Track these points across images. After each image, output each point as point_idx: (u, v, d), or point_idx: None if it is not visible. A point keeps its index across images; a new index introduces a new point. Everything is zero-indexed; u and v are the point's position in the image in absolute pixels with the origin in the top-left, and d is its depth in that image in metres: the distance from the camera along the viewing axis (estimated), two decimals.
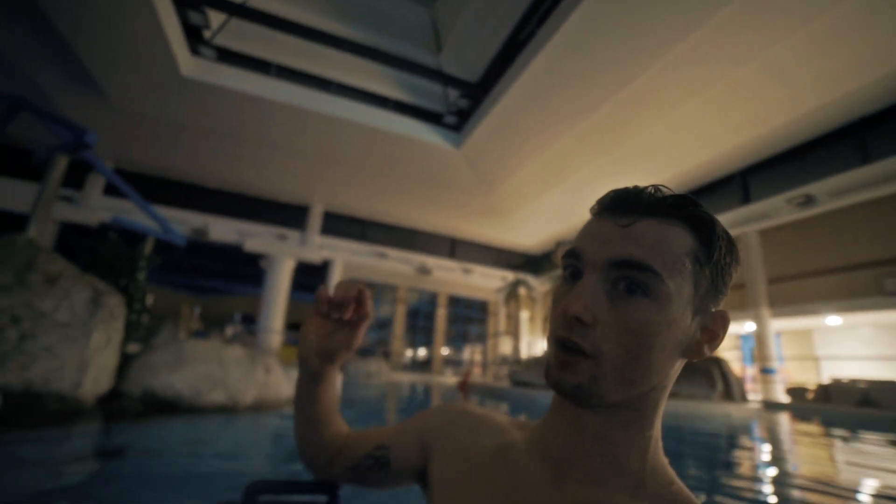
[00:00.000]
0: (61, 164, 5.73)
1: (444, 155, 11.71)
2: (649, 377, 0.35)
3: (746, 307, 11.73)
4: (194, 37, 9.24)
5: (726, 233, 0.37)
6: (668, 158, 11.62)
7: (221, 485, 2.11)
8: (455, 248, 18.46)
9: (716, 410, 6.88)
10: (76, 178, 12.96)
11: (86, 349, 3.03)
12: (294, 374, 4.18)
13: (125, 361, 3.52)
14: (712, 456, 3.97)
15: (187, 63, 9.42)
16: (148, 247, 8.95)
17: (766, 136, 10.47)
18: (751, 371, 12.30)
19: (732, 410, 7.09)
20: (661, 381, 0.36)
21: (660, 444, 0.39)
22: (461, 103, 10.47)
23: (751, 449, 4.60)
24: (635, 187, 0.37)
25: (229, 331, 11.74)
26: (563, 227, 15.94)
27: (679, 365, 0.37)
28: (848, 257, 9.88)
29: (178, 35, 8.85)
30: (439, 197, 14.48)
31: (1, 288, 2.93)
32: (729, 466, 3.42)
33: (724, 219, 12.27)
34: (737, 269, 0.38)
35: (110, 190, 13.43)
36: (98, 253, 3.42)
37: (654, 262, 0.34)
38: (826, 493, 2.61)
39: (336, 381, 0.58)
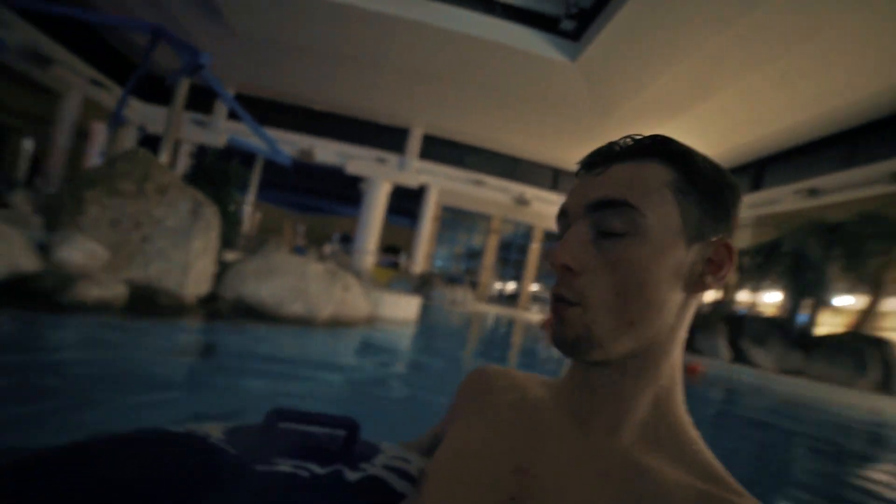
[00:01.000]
0: (184, 86, 6.41)
1: (559, 68, 10.52)
2: (650, 315, 0.35)
3: None
4: None
5: (710, 161, 0.38)
6: (862, 68, 8.93)
7: (281, 392, 2.30)
8: (558, 179, 17.36)
9: (859, 402, 5.75)
10: (207, 103, 14.65)
11: (188, 254, 3.46)
12: (389, 296, 4.35)
13: (224, 268, 4.00)
14: (837, 459, 3.24)
15: None
16: (258, 165, 10.04)
17: None
18: None
19: (885, 405, 5.84)
20: (666, 320, 0.36)
21: (678, 396, 0.39)
22: (583, 2, 9.02)
23: None
24: (611, 142, 0.39)
25: (327, 249, 12.94)
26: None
27: (684, 301, 0.37)
28: None
29: None
30: (546, 119, 13.38)
31: (127, 196, 3.40)
32: (850, 476, 2.71)
33: None
34: (735, 196, 0.38)
35: (233, 114, 14.98)
36: (201, 167, 3.80)
37: (629, 196, 0.35)
38: None
39: None
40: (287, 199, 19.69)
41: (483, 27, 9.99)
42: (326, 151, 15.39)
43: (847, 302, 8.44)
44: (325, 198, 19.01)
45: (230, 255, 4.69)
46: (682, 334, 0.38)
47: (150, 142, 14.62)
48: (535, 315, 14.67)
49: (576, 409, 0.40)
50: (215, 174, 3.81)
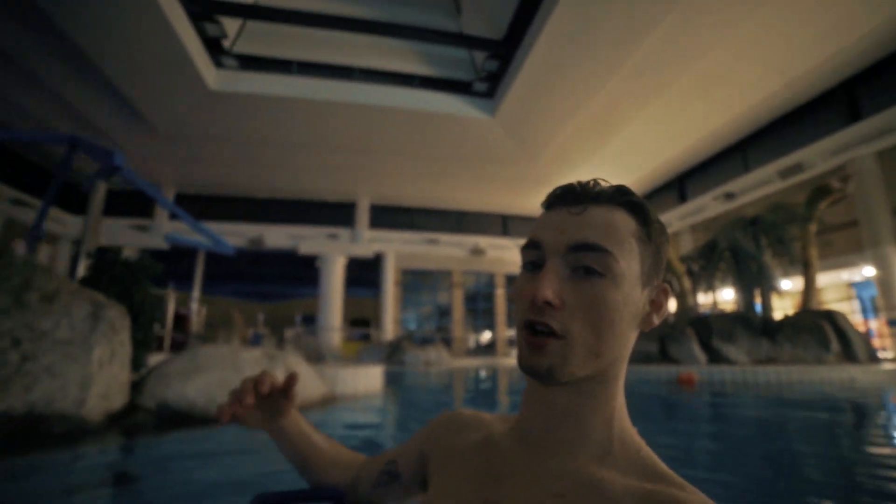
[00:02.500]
0: (101, 190, 5.98)
1: (480, 125, 10.97)
2: (612, 350, 0.38)
3: (862, 248, 9.74)
4: (216, 49, 9.35)
5: (657, 216, 0.42)
6: (740, 85, 9.92)
7: (238, 494, 1.79)
8: (507, 224, 17.66)
9: (834, 375, 5.59)
10: (147, 208, 14.10)
11: (88, 365, 2.88)
12: (346, 371, 3.78)
13: (148, 374, 3.40)
14: (834, 436, 3.03)
15: (213, 77, 9.61)
16: (200, 260, 9.54)
17: (874, 32, 8.44)
18: (874, 324, 10.26)
19: (858, 373, 5.73)
20: (621, 352, 0.40)
21: (625, 412, 0.42)
22: (489, 66, 9.63)
23: (890, 415, 3.54)
24: (578, 182, 0.41)
25: (289, 333, 12.11)
26: (626, 181, 14.33)
27: (634, 336, 0.41)
28: None
29: (200, 52, 9.01)
30: (483, 173, 13.78)
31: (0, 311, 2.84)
32: (860, 450, 2.59)
33: (824, 144, 10.30)
34: (668, 245, 0.43)
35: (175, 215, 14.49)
36: (101, 265, 3.30)
37: (607, 244, 0.38)
38: None
39: (301, 422, 0.63)
40: (242, 290, 18.74)
41: (407, 98, 10.39)
42: (276, 236, 14.97)
43: (788, 285, 8.64)
44: (282, 282, 18.27)
45: (156, 359, 4.06)
46: (628, 359, 0.42)
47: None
48: (514, 359, 14.09)
49: (532, 435, 0.42)
50: (118, 271, 3.31)
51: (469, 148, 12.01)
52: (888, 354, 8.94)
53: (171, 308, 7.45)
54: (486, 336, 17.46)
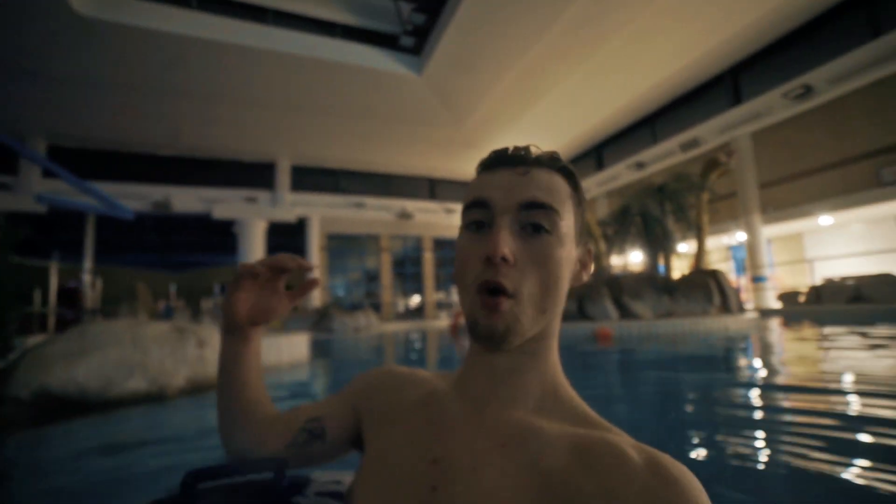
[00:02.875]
0: None
1: (406, 83, 10.45)
2: (556, 304, 0.40)
3: (737, 216, 11.25)
4: None
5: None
6: (648, 63, 10.55)
7: (157, 485, 1.49)
8: (435, 188, 17.53)
9: (714, 325, 6.51)
10: (9, 163, 11.55)
11: None
12: (267, 341, 3.40)
13: (19, 359, 2.81)
14: (713, 373, 3.65)
15: None
16: (89, 226, 8.12)
17: (755, 23, 9.38)
18: (743, 281, 12.07)
19: (730, 323, 6.74)
20: (560, 308, 0.42)
21: (559, 366, 0.44)
22: (416, 19, 9.09)
23: (749, 358, 4.30)
24: (515, 146, 0.43)
25: (207, 304, 11.07)
26: (548, 148, 14.94)
27: (567, 292, 0.43)
28: (844, 150, 9.22)
29: None
30: (410, 135, 13.33)
31: None
32: (730, 381, 3.27)
33: (715, 123, 11.46)
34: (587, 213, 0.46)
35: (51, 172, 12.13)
36: None
37: (554, 202, 0.40)
38: (817, 391, 2.64)
39: (260, 350, 0.58)
40: (149, 260, 16.66)
41: (328, 49, 9.49)
42: (186, 199, 13.28)
43: (684, 248, 9.75)
44: (196, 251, 16.51)
45: (33, 341, 3.41)
46: (561, 317, 0.44)
47: None
48: (444, 321, 14.43)
49: (475, 395, 0.43)
50: None
51: (395, 108, 11.47)
52: (750, 305, 10.62)
53: (54, 281, 6.31)
54: (416, 300, 17.60)
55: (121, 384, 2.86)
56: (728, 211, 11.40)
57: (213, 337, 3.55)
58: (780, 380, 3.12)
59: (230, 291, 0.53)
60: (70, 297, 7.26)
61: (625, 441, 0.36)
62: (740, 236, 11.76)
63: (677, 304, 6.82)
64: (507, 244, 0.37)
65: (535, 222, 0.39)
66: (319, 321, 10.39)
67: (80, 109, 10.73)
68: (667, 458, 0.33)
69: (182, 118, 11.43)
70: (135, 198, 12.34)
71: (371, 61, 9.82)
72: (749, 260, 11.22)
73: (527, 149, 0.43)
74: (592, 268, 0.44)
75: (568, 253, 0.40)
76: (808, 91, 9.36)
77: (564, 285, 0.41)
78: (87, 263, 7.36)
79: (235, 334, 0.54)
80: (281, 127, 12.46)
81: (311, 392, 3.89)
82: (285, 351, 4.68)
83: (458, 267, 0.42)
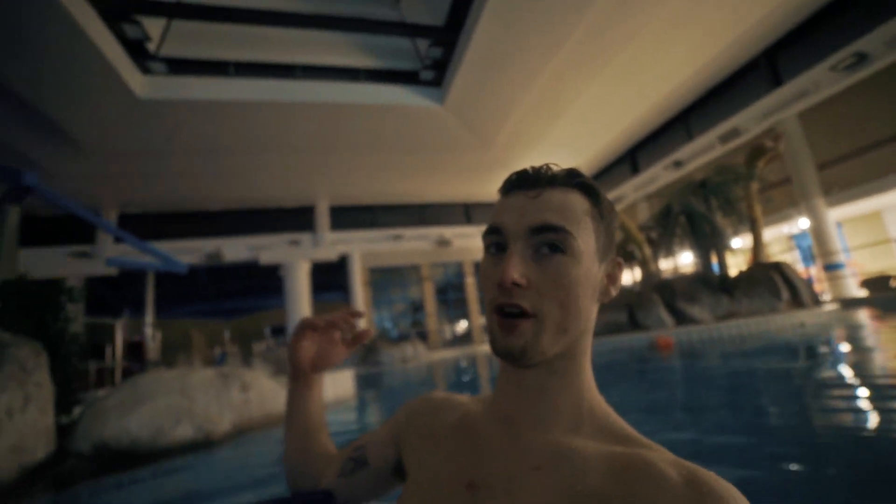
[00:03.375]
0: (13, 214, 5.25)
1: (431, 114, 10.68)
2: (578, 324, 0.40)
3: (796, 202, 10.27)
4: (140, 54, 8.54)
5: (605, 194, 0.44)
6: (675, 59, 10.13)
7: None
8: (470, 212, 17.53)
9: (786, 322, 5.81)
10: (87, 233, 12.88)
11: None
12: (330, 377, 3.43)
13: (82, 414, 2.95)
14: (794, 376, 3.16)
15: (141, 84, 8.79)
16: (150, 283, 8.79)
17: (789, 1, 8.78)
18: (813, 271, 10.88)
19: (805, 317, 5.98)
20: (586, 326, 0.41)
21: (593, 383, 0.43)
22: (434, 53, 9.34)
23: (837, 356, 3.69)
24: (532, 167, 0.43)
25: (259, 346, 11.46)
26: (581, 160, 14.63)
27: (595, 309, 0.43)
28: None
29: (121, 57, 8.19)
30: (440, 163, 13.51)
31: None
32: (816, 384, 2.82)
33: (755, 109, 10.72)
34: (617, 221, 0.45)
35: (119, 237, 13.33)
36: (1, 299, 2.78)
37: (565, 223, 0.39)
38: None
39: (322, 393, 0.65)
40: (204, 309, 17.70)
41: (353, 93, 9.94)
42: (234, 249, 14.12)
43: (738, 243, 8.97)
44: (246, 297, 17.38)
45: (101, 394, 3.59)
46: (591, 335, 0.43)
47: None
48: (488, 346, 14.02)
49: (507, 414, 0.43)
50: (24, 300, 2.82)
51: (422, 139, 11.72)
52: (827, 297, 9.50)
53: (119, 336, 6.76)
54: (462, 325, 17.36)
55: (169, 432, 2.91)
56: (784, 198, 10.45)
57: (256, 380, 3.59)
58: (882, 377, 2.66)
59: (293, 342, 0.60)
60: (135, 350, 7.76)
61: (663, 457, 0.34)
62: (803, 223, 10.70)
63: (739, 303, 6.19)
64: (517, 270, 0.38)
65: (548, 243, 0.39)
66: (367, 355, 10.42)
67: (142, 179, 11.86)
68: (707, 474, 0.31)
69: (228, 174, 12.30)
70: (189, 252, 13.27)
71: (395, 98, 10.16)
72: (817, 247, 10.14)
73: (539, 170, 0.43)
74: (623, 281, 0.44)
75: (586, 271, 0.40)
76: (861, 59, 8.55)
77: (586, 304, 0.40)
78: (149, 317, 7.89)
79: (299, 380, 0.62)
80: (318, 171, 13.06)
81: (355, 429, 3.80)
82: (330, 388, 4.66)
83: (481, 289, 0.43)
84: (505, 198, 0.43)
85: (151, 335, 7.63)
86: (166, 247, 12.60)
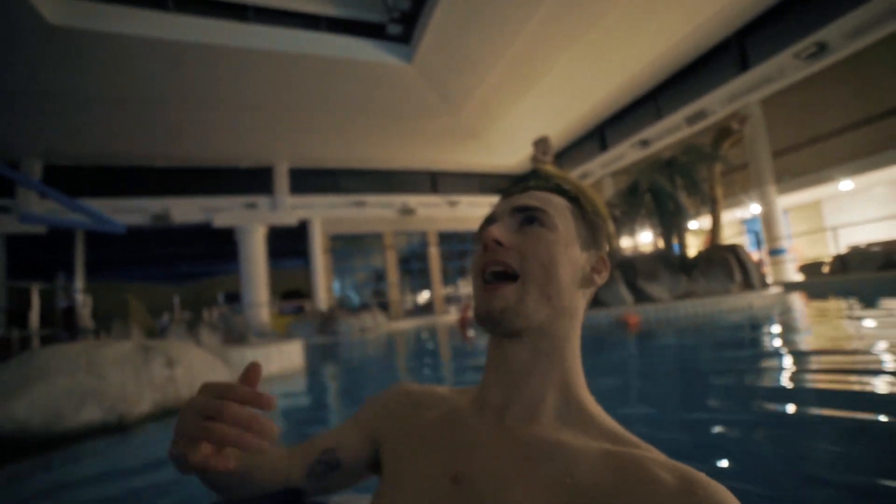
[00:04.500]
0: None
1: (397, 73, 9.96)
2: (561, 294, 0.41)
3: (749, 188, 10.57)
4: None
5: (592, 200, 0.58)
6: (647, 36, 9.91)
7: None
8: (436, 181, 17.03)
9: (738, 302, 5.97)
10: (6, 185, 11.31)
11: None
12: (254, 351, 2.85)
13: None
14: (742, 352, 3.27)
15: (51, 8, 7.41)
16: (79, 243, 7.85)
17: None
18: (759, 255, 11.40)
19: (754, 300, 6.18)
20: (569, 306, 0.42)
21: (581, 378, 0.43)
22: (402, 5, 8.58)
23: (777, 335, 3.84)
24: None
25: (212, 313, 10.76)
26: (550, 133, 14.29)
27: (580, 297, 0.44)
28: (866, 109, 8.50)
29: None
30: (407, 128, 12.84)
31: None
32: (757, 359, 3.04)
33: (722, 92, 10.76)
34: (606, 224, 0.52)
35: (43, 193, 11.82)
36: None
37: (544, 205, 0.44)
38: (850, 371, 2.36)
39: None
40: (153, 273, 16.46)
41: (313, 43, 9.03)
42: (185, 209, 13.00)
43: (695, 225, 9.15)
44: (199, 261, 16.26)
45: None
46: (579, 327, 0.44)
47: None
48: (453, 316, 14.01)
49: (494, 403, 0.42)
50: None
51: (389, 100, 10.98)
52: (770, 279, 9.99)
53: (35, 302, 6.00)
54: (424, 296, 17.18)
55: (71, 416, 2.47)
56: (740, 183, 10.73)
57: (184, 354, 3.15)
58: (815, 363, 2.65)
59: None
60: (66, 317, 6.98)
61: (657, 459, 0.33)
62: (755, 209, 11.09)
63: (696, 283, 6.28)
64: (498, 230, 0.41)
65: (528, 217, 0.43)
66: (324, 324, 10.03)
67: (71, 127, 10.45)
68: (703, 478, 0.31)
69: (174, 127, 11.09)
70: (133, 212, 12.09)
71: (359, 53, 9.35)
72: (766, 233, 10.56)
73: (529, 178, 0.46)
74: (606, 272, 0.45)
75: (566, 247, 0.42)
76: (822, 49, 8.64)
77: (566, 278, 0.41)
78: (79, 282, 7.05)
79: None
80: (276, 130, 12.06)
81: (305, 405, 3.47)
82: (275, 361, 4.28)
83: (472, 275, 0.44)
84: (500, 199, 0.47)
85: (82, 301, 6.85)
86: (104, 205, 11.31)
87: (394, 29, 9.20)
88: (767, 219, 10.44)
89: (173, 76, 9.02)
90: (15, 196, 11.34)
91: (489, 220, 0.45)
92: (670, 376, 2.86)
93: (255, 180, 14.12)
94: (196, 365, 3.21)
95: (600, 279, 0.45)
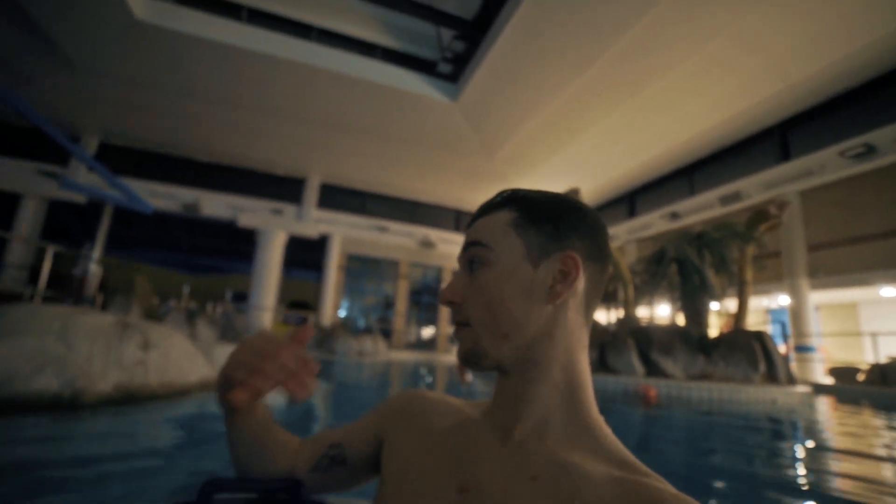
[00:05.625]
0: None
1: (441, 109, 10.21)
2: (517, 326, 0.40)
3: (781, 278, 10.07)
4: None
5: (550, 196, 0.45)
6: (691, 111, 9.92)
7: None
8: (460, 220, 17.05)
9: (760, 395, 5.43)
10: (63, 155, 11.96)
11: None
12: (225, 348, 2.29)
13: None
14: (757, 455, 2.81)
15: (141, 5, 8.06)
16: (106, 214, 8.05)
17: (811, 79, 8.66)
18: (785, 348, 10.69)
19: (778, 395, 5.62)
20: (538, 328, 0.40)
21: (589, 400, 0.41)
22: (456, 46, 8.91)
23: (809, 444, 3.30)
24: (483, 203, 0.47)
25: (210, 308, 10.68)
26: (583, 189, 14.32)
27: (552, 312, 0.41)
28: None
29: None
30: (440, 162, 13.03)
31: None
32: (777, 467, 2.51)
33: (760, 178, 10.55)
34: (577, 217, 0.44)
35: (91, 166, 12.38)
36: None
37: (482, 238, 0.43)
38: None
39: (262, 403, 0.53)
40: (171, 259, 16.69)
41: (367, 69, 9.41)
42: (214, 204, 13.32)
43: (718, 306, 8.68)
44: (217, 255, 16.46)
45: None
46: (568, 341, 0.41)
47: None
48: (453, 356, 13.49)
49: (501, 422, 0.42)
50: None
51: (428, 133, 11.22)
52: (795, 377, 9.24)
53: (46, 266, 6.04)
54: (429, 331, 16.76)
55: (28, 381, 2.28)
56: (772, 270, 10.26)
57: (164, 339, 2.97)
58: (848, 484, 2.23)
59: (225, 393, 0.46)
60: (76, 285, 7.02)
61: (665, 490, 0.32)
62: (783, 300, 10.52)
63: (714, 366, 5.79)
64: (450, 290, 0.43)
65: (471, 259, 0.43)
66: (323, 341, 9.76)
67: (130, 110, 11.05)
68: None
69: (221, 125, 11.59)
70: (166, 197, 12.45)
71: (407, 84, 9.67)
72: (793, 327, 9.92)
73: (485, 203, 0.46)
74: (575, 273, 0.41)
75: (510, 275, 0.41)
76: (870, 150, 8.42)
77: (519, 304, 0.40)
78: (96, 252, 7.15)
79: (236, 414, 0.51)
80: (315, 143, 12.44)
81: (284, 419, 3.19)
82: None
83: None
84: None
85: (93, 272, 6.94)
86: (142, 187, 11.77)
87: (444, 67, 9.53)
88: (796, 313, 9.85)
89: (233, 80, 9.50)
90: (67, 166, 11.91)
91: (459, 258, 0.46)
92: (674, 464, 2.48)
93: (285, 188, 14.45)
94: (174, 353, 3.02)
95: (565, 286, 0.41)
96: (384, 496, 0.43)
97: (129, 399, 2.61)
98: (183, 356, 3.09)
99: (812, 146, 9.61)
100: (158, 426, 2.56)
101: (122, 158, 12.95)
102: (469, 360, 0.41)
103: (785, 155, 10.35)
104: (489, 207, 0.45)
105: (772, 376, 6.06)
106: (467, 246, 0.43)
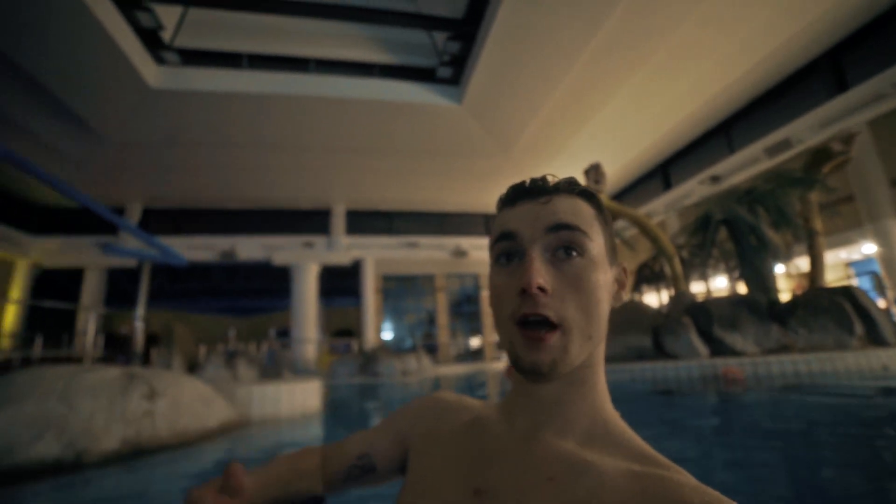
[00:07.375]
0: None
1: (448, 114, 10.01)
2: (600, 329, 0.38)
3: (861, 223, 8.82)
4: (154, 43, 8.36)
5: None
6: (718, 60, 9.07)
7: None
8: (489, 223, 16.65)
9: (864, 362, 4.57)
10: (111, 225, 12.94)
11: None
12: (264, 389, 2.59)
13: None
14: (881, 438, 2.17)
15: (155, 75, 8.59)
16: (145, 273, 8.52)
17: None
18: (884, 303, 9.30)
19: (890, 359, 4.71)
20: (605, 332, 0.40)
21: (607, 395, 0.41)
22: (451, 48, 8.71)
23: None
24: (531, 179, 0.43)
25: (253, 348, 10.92)
26: (607, 172, 13.54)
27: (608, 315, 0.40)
28: None
29: (135, 46, 8.01)
30: (458, 168, 12.79)
31: None
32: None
33: (812, 118, 9.43)
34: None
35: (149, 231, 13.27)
36: None
37: (580, 223, 0.39)
38: None
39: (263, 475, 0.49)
40: (219, 306, 17.51)
41: (368, 89, 9.42)
42: (248, 247, 13.86)
43: (784, 267, 7.67)
44: (258, 296, 17.09)
45: None
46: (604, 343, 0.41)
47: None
48: (503, 363, 13.00)
49: (521, 423, 0.40)
50: None
51: (439, 140, 11.04)
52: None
53: (91, 327, 6.34)
54: (475, 341, 16.34)
55: (28, 448, 2.21)
56: (846, 218, 9.03)
57: (171, 386, 2.86)
58: None
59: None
60: (124, 344, 7.39)
61: (685, 482, 0.32)
62: (867, 248, 9.21)
63: (794, 334, 4.99)
64: (540, 274, 0.36)
65: (566, 245, 0.38)
66: (366, 364, 9.65)
67: (159, 171, 11.79)
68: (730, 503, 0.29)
69: (242, 170, 12.08)
70: (205, 248, 13.08)
71: (410, 96, 9.58)
72: (888, 277, 8.61)
73: (544, 179, 0.42)
74: (628, 286, 0.40)
75: (603, 274, 0.39)
76: None
77: (605, 308, 0.39)
78: (140, 310, 7.52)
79: None
80: (334, 172, 12.64)
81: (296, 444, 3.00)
82: (285, 400, 3.88)
83: (493, 302, 0.40)
84: (510, 208, 0.42)
85: (138, 328, 7.33)
86: (182, 243, 12.49)
87: (443, 72, 9.36)
88: (888, 260, 8.55)
89: (243, 122, 9.85)
90: (117, 234, 12.89)
91: (507, 236, 0.39)
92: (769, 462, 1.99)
93: (312, 221, 14.78)
94: (185, 399, 2.90)
95: (626, 293, 0.41)
96: (403, 497, 0.42)
97: (138, 453, 2.49)
98: (197, 400, 2.98)
99: (875, 68, 8.40)
100: (172, 480, 2.41)
101: (162, 220, 13.87)
102: (552, 371, 0.36)
103: (841, 86, 9.16)
104: (559, 188, 0.41)
105: (874, 338, 5.13)
106: (558, 227, 0.38)
